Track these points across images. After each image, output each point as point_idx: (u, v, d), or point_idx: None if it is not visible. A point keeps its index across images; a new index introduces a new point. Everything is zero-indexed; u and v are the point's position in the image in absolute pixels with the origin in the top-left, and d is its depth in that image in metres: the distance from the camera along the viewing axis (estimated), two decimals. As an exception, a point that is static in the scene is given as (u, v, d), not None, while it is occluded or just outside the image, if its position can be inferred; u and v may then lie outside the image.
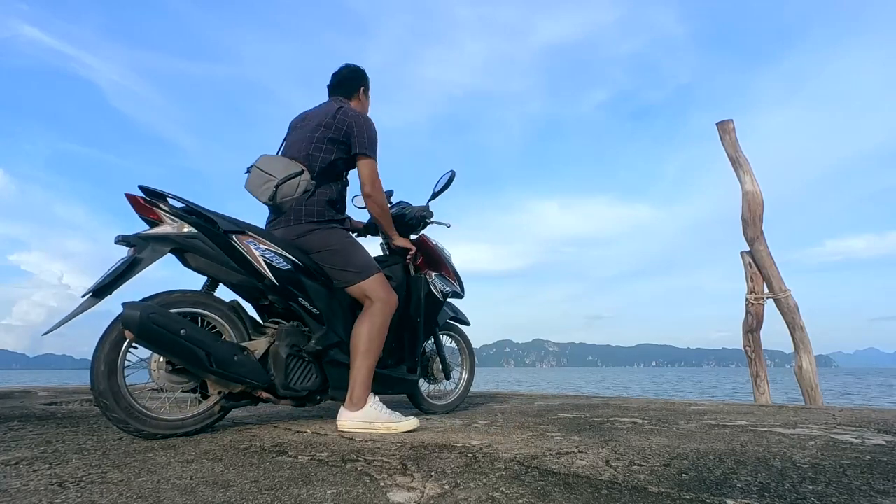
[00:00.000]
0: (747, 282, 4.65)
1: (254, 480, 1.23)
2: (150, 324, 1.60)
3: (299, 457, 1.49)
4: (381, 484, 1.20)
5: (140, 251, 1.73)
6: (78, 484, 1.19)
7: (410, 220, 2.51)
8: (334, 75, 2.42)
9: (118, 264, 1.72)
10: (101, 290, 1.67)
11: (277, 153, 2.26)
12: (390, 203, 2.67)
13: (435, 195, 2.54)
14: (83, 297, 1.68)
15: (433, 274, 2.56)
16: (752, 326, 4.59)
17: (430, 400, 2.72)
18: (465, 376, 2.96)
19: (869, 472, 1.36)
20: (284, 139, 2.31)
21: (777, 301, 4.52)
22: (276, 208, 2.13)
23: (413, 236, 2.59)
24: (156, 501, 1.07)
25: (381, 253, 2.58)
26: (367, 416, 1.99)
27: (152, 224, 1.80)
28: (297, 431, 1.97)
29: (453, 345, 2.97)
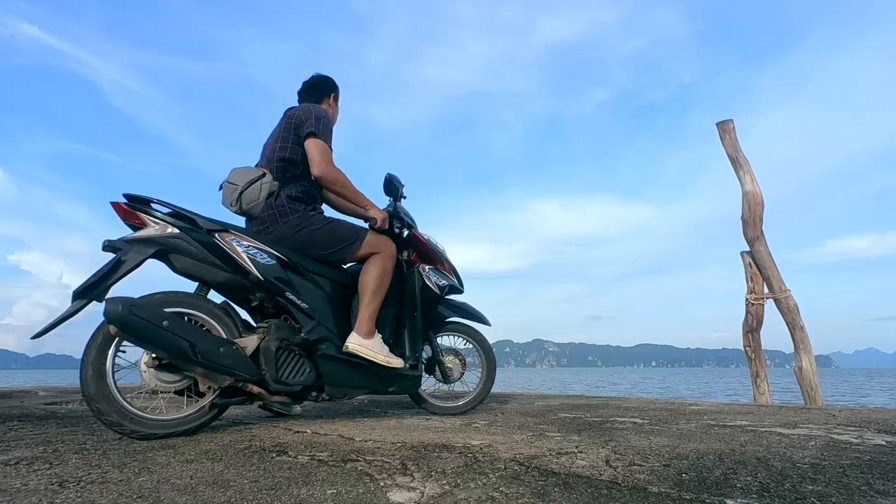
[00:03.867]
0: (747, 282, 4.65)
1: (254, 480, 1.23)
2: (132, 315, 1.62)
3: (299, 457, 1.49)
4: (381, 484, 1.20)
5: (125, 254, 1.75)
6: (78, 484, 1.19)
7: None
8: (304, 82, 2.48)
9: (102, 266, 1.74)
10: (85, 291, 1.68)
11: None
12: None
13: (395, 205, 2.49)
14: (72, 300, 1.69)
15: (427, 267, 2.52)
16: (752, 326, 4.59)
17: (433, 401, 2.65)
18: (482, 379, 2.75)
19: (869, 472, 1.36)
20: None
21: (777, 301, 4.52)
22: (247, 216, 2.16)
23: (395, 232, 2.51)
24: (156, 501, 1.07)
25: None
26: (376, 346, 2.18)
27: (137, 229, 1.83)
28: (297, 431, 1.97)
29: (469, 346, 2.81)
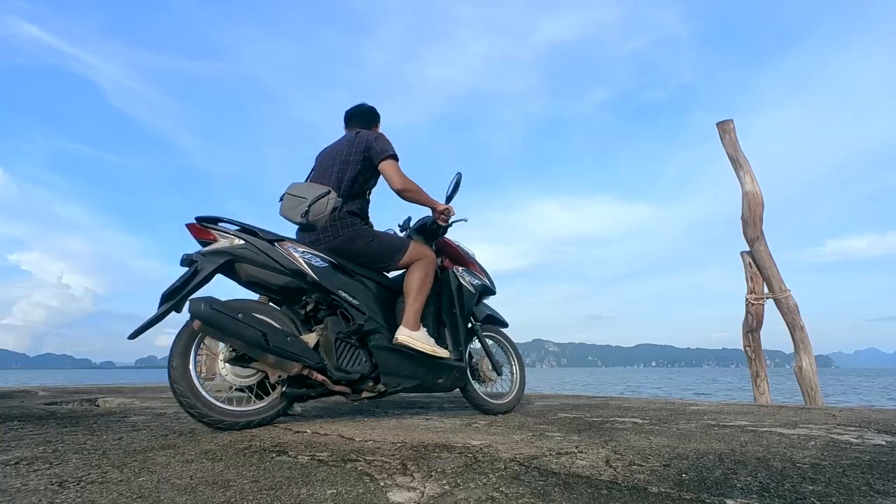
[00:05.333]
0: (747, 282, 4.65)
1: (254, 480, 1.23)
2: (213, 310, 1.87)
3: (299, 457, 1.49)
4: (381, 484, 1.20)
5: (200, 265, 2.01)
6: (78, 484, 1.19)
7: (431, 226, 2.65)
8: (353, 108, 2.74)
9: (182, 275, 1.99)
10: (171, 294, 1.93)
11: (305, 181, 2.56)
12: (408, 227, 2.86)
13: (448, 199, 2.66)
14: (160, 303, 1.93)
15: (460, 268, 2.71)
16: (752, 326, 4.60)
17: (486, 398, 2.72)
18: (517, 375, 2.96)
19: (869, 472, 1.36)
20: (312, 170, 2.63)
21: (777, 301, 4.52)
22: (308, 227, 2.35)
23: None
24: (156, 501, 1.07)
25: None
26: (422, 338, 2.39)
27: (208, 245, 2.09)
28: (297, 431, 1.97)
29: (499, 346, 2.98)
